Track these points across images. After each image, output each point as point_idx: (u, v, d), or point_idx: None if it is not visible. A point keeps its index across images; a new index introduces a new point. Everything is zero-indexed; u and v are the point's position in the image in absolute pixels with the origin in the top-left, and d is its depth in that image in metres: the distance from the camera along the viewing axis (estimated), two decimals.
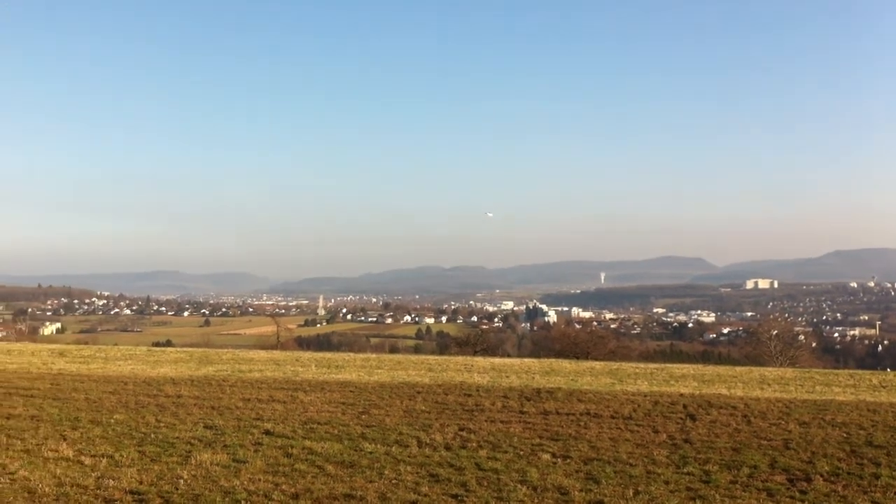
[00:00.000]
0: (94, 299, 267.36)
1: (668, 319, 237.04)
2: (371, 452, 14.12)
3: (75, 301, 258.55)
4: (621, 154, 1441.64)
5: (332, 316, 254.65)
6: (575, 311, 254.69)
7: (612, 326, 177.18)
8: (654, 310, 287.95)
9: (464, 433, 16.11)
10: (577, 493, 11.59)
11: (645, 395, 22.08)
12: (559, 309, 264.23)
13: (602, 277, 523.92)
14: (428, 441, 15.20)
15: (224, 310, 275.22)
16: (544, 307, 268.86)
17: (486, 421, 17.67)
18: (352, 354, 42.01)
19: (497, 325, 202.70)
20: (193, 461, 13.37)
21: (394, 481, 12.10)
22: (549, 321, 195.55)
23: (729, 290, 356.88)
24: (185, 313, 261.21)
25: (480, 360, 35.60)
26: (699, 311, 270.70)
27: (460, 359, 38.21)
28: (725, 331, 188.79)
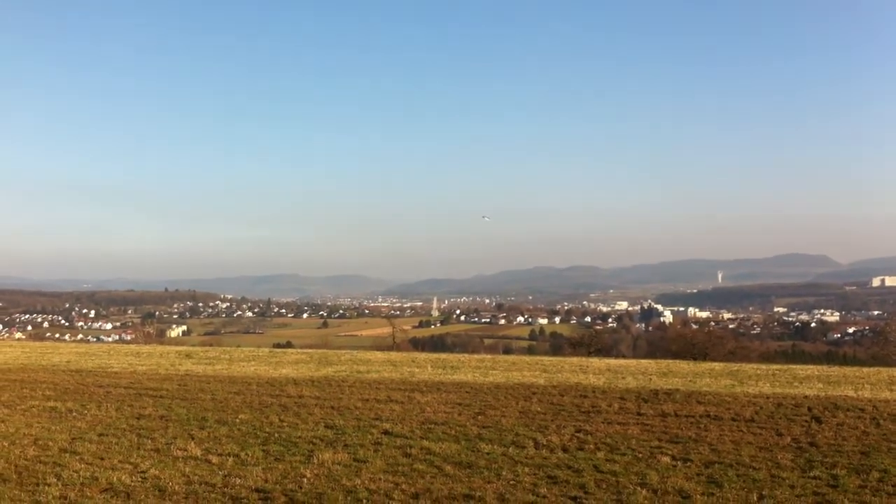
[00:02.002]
0: (217, 302, 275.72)
1: (790, 319, 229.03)
2: (488, 453, 14.20)
3: (200, 304, 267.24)
4: (740, 149, 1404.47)
5: (445, 317, 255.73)
6: (691, 310, 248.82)
7: (731, 326, 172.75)
8: (775, 309, 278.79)
9: (581, 435, 16.03)
10: (698, 496, 11.40)
11: (767, 397, 21.49)
12: (675, 309, 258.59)
13: (719, 276, 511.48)
14: (545, 442, 15.19)
15: (341, 312, 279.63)
16: (659, 307, 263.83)
17: (603, 423, 17.53)
18: (466, 355, 42.19)
19: (611, 325, 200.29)
20: (316, 460, 13.71)
21: (512, 482, 12.15)
22: (664, 321, 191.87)
23: (854, 288, 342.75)
24: (304, 315, 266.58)
25: (595, 361, 35.26)
26: (822, 311, 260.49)
27: (575, 359, 37.91)
28: (851, 330, 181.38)
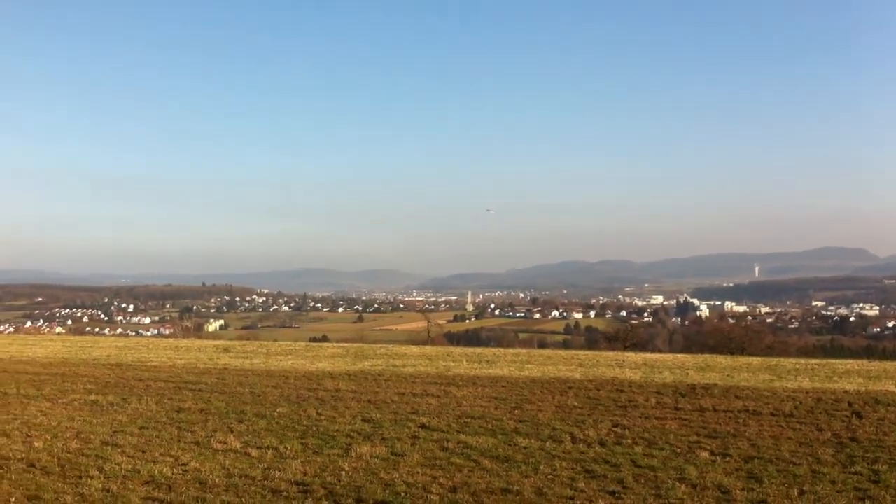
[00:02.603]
0: (254, 297, 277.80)
1: (829, 313, 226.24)
2: (525, 447, 14.20)
3: (237, 299, 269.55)
4: (777, 143, 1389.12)
5: (480, 311, 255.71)
6: (728, 305, 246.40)
7: (769, 321, 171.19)
8: (813, 303, 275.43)
9: (618, 429, 15.97)
10: (738, 491, 11.33)
11: (806, 392, 21.27)
12: (711, 303, 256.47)
13: (756, 270, 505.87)
14: (582, 437, 15.16)
15: (376, 306, 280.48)
16: (695, 301, 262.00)
17: (640, 417, 17.45)
18: (501, 349, 42.24)
19: (646, 319, 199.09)
20: (354, 453, 13.79)
21: (549, 476, 12.14)
22: (700, 316, 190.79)
23: (894, 281, 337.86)
24: (340, 309, 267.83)
25: (631, 356, 35.13)
26: (861, 305, 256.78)
27: (611, 354, 37.80)
28: (891, 324, 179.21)
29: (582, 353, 37.81)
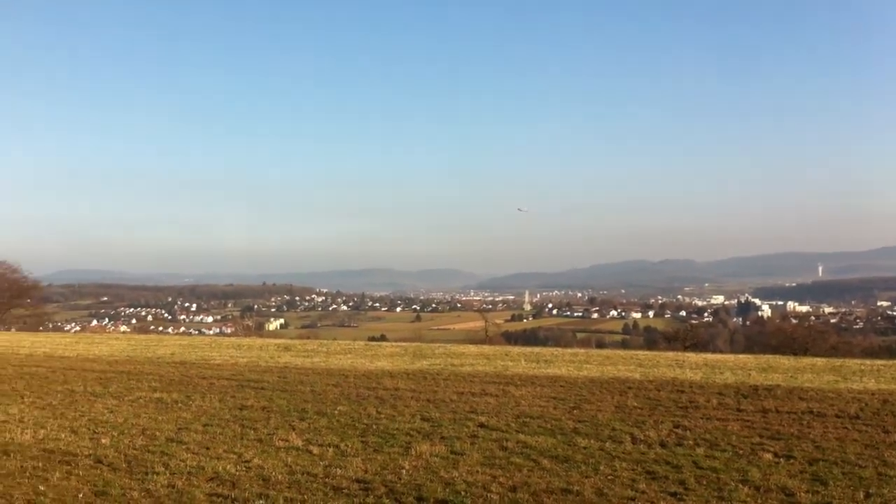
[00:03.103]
0: (313, 296, 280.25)
1: (894, 313, 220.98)
2: (585, 448, 14.14)
3: (297, 298, 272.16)
4: (838, 140, 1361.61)
5: (537, 311, 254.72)
6: (791, 304, 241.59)
7: (832, 321, 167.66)
8: (878, 303, 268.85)
9: (679, 430, 15.82)
10: (802, 494, 11.15)
11: (872, 394, 20.85)
12: (773, 303, 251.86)
13: (820, 269, 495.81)
14: (642, 437, 15.05)
15: (434, 305, 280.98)
16: (757, 301, 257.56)
17: (701, 418, 17.26)
18: (559, 349, 42.04)
19: (707, 319, 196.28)
20: (413, 452, 13.87)
21: (609, 477, 12.07)
22: (762, 316, 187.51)
23: None
24: (398, 309, 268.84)
25: (692, 356, 34.73)
26: None
27: (670, 354, 37.42)
28: None
29: (641, 353, 37.49)
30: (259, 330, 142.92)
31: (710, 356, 35.61)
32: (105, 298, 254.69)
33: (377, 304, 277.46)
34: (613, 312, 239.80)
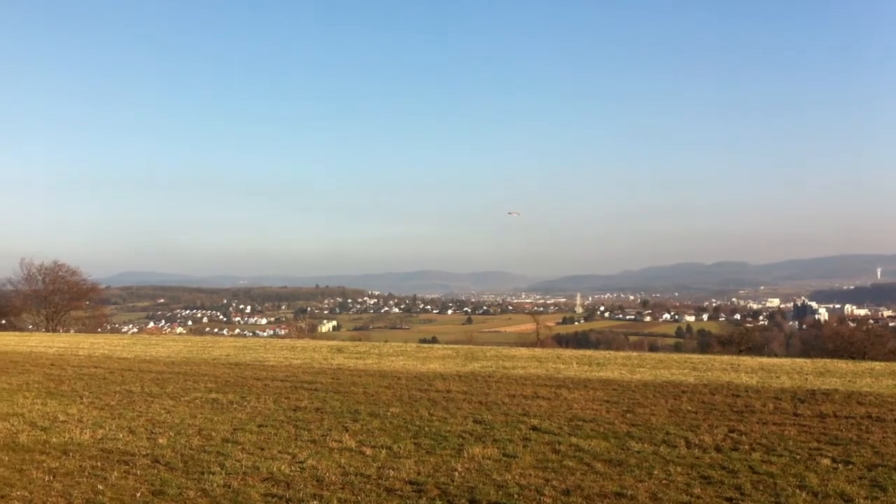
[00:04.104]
0: (365, 298, 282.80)
1: None
2: (639, 451, 14.03)
3: (349, 300, 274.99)
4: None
5: (589, 314, 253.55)
6: (848, 308, 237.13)
7: (892, 324, 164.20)
8: None
9: (734, 435, 15.61)
10: (861, 500, 10.94)
11: None
12: (830, 306, 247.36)
13: (878, 272, 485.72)
14: (697, 442, 14.88)
15: (485, 308, 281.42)
16: (813, 304, 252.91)
17: (757, 423, 17.01)
18: (612, 352, 41.71)
19: (762, 323, 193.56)
20: (466, 454, 13.88)
21: (664, 482, 11.96)
22: (818, 319, 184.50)
23: None
24: (449, 311, 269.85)
25: (747, 360, 34.22)
26: None
27: (725, 358, 36.93)
28: None
29: (695, 357, 37.05)
30: (312, 332, 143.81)
31: (765, 360, 35.08)
32: (162, 301, 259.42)
33: (428, 307, 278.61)
34: (666, 315, 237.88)
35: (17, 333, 69.02)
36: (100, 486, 12.09)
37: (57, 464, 13.63)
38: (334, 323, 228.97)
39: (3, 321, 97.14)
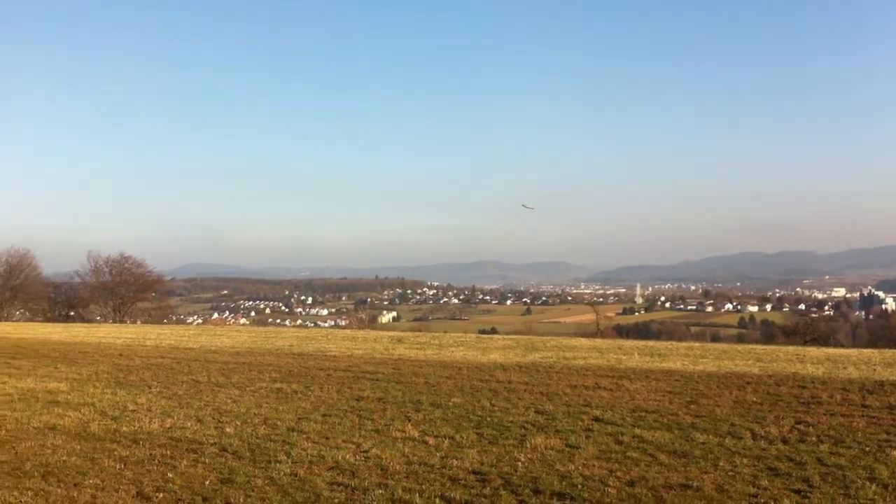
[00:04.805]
0: (424, 289, 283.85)
1: None
2: (703, 443, 13.91)
3: (408, 291, 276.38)
4: None
5: (649, 304, 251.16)
6: None
7: None
8: None
9: (801, 426, 15.38)
10: None
11: None
12: None
13: None
14: (763, 433, 14.70)
15: (544, 298, 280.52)
16: (881, 294, 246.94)
17: (824, 414, 16.74)
18: (673, 343, 41.28)
19: (827, 313, 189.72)
20: (528, 444, 13.91)
21: (730, 473, 11.85)
22: (886, 309, 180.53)
23: None
24: (508, 302, 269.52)
25: (812, 350, 33.62)
26: None
27: (790, 348, 36.31)
28: None
29: (759, 348, 36.50)
30: (372, 322, 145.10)
31: (831, 351, 34.44)
32: (225, 292, 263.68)
33: (487, 297, 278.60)
34: (729, 306, 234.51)
35: (86, 325, 70.61)
36: (170, 474, 12.35)
37: (127, 452, 13.95)
38: (394, 314, 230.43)
39: (72, 313, 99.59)
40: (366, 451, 13.62)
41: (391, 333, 49.65)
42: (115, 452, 13.93)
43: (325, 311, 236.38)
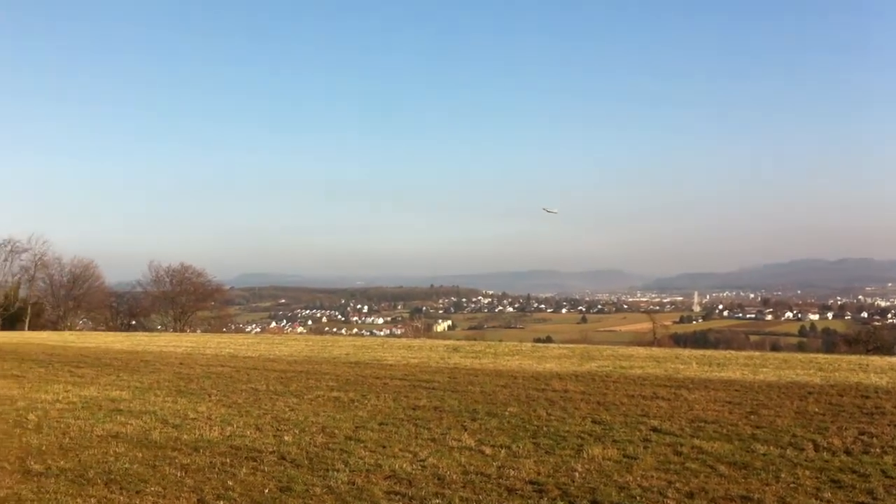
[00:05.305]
0: (479, 298, 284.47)
1: None
2: (764, 454, 13.70)
3: (463, 300, 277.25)
4: None
5: (707, 312, 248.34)
6: None
7: None
8: None
9: (864, 437, 15.07)
10: None
11: None
12: None
13: None
14: (825, 445, 14.44)
15: (599, 307, 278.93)
16: None
17: (888, 425, 16.37)
18: (732, 352, 40.77)
19: (891, 321, 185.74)
20: (585, 455, 13.83)
21: (792, 485, 11.66)
22: None
23: None
24: (563, 310, 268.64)
25: (876, 360, 32.96)
26: None
27: (852, 357, 35.68)
28: None
29: (820, 357, 35.88)
30: (427, 331, 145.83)
31: (895, 360, 33.71)
32: (283, 301, 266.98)
33: (542, 306, 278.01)
34: (789, 314, 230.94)
35: (147, 334, 71.99)
36: (230, 482, 12.50)
37: (188, 460, 14.14)
38: (449, 322, 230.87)
39: (134, 322, 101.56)
40: (422, 461, 13.65)
41: (446, 342, 49.76)
42: (176, 460, 14.12)
43: (380, 320, 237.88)
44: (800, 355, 39.61)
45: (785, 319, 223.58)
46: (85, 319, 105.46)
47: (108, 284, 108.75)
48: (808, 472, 12.39)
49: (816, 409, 18.47)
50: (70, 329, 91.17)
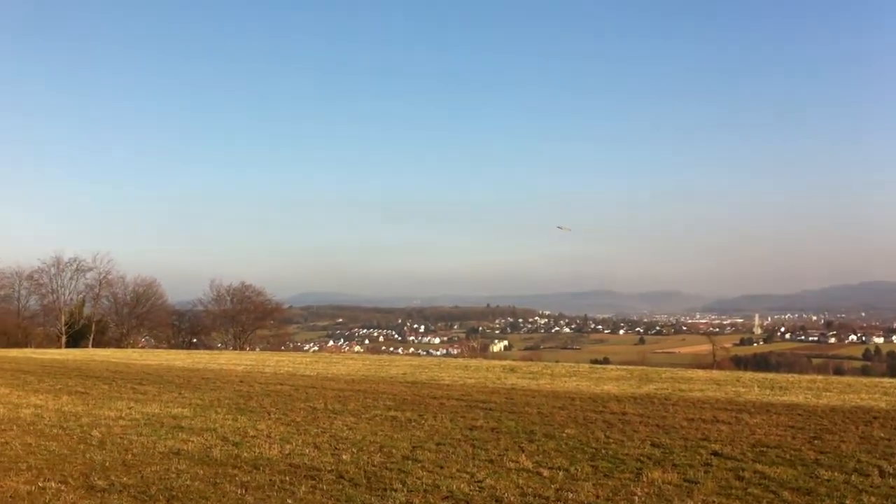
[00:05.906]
0: (536, 318, 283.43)
1: None
2: (828, 480, 13.44)
3: (520, 320, 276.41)
4: None
5: (768, 335, 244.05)
6: None
7: None
8: None
9: None
10: None
11: None
12: None
13: None
14: (891, 471, 14.08)
15: (657, 328, 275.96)
16: None
17: None
18: (795, 375, 39.98)
19: None
20: (645, 478, 13.68)
21: None
22: None
23: None
24: (620, 331, 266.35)
25: None
26: None
27: None
28: None
29: (886, 381, 35.01)
30: (484, 351, 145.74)
31: None
32: (340, 320, 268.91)
33: (599, 327, 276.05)
34: (853, 337, 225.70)
35: (208, 351, 72.90)
36: (289, 501, 12.59)
37: (248, 478, 14.27)
38: (505, 342, 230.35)
39: (195, 340, 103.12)
40: (480, 482, 13.62)
41: (503, 363, 49.61)
42: (237, 478, 14.27)
43: (437, 340, 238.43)
44: (864, 379, 38.74)
45: (849, 342, 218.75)
46: (147, 337, 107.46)
47: (170, 303, 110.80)
48: (873, 499, 12.14)
49: (882, 435, 18.08)
50: (133, 346, 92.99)
